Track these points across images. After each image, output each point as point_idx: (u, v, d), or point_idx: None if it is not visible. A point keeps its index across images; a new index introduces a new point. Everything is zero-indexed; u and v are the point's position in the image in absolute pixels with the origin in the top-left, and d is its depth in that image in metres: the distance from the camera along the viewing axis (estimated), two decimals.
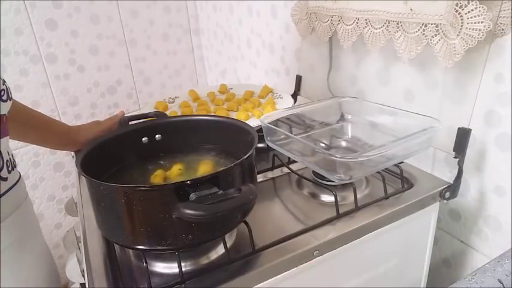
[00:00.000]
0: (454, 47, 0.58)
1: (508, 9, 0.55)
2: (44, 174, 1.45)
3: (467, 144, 0.61)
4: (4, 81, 0.59)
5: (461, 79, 0.65)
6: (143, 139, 0.64)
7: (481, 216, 0.69)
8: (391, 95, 0.79)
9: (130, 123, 0.68)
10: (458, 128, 0.61)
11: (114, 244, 0.54)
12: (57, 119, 1.39)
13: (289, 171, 0.72)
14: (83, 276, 0.57)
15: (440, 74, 0.68)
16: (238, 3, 1.25)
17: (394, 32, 0.67)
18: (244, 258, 0.51)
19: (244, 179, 0.50)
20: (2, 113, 0.57)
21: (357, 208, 0.60)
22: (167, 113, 0.91)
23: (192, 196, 0.43)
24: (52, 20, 1.31)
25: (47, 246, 0.73)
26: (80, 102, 1.44)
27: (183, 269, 0.49)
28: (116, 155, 0.60)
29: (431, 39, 0.62)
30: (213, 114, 0.89)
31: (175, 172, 0.58)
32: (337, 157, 0.55)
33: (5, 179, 0.59)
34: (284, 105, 0.88)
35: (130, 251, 0.55)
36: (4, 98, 0.58)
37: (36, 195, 1.46)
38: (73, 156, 0.83)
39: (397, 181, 0.66)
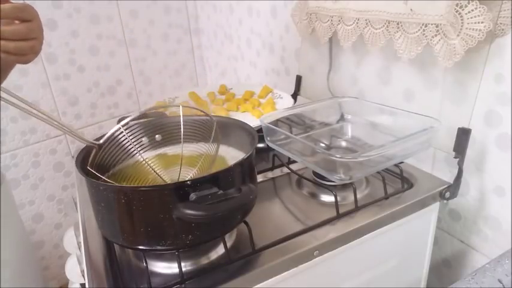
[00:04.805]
0: (454, 47, 0.58)
1: (508, 9, 0.55)
2: (44, 174, 1.45)
3: (467, 144, 0.61)
4: None
5: (461, 79, 0.65)
6: (143, 139, 0.64)
7: (481, 216, 0.69)
8: (391, 95, 0.79)
9: (130, 123, 0.68)
10: (458, 128, 0.61)
11: (114, 244, 0.54)
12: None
13: (289, 171, 0.72)
14: (83, 276, 0.57)
15: (440, 74, 0.68)
16: (238, 3, 1.25)
17: (394, 32, 0.67)
18: (244, 258, 0.51)
19: (244, 179, 0.50)
20: None
21: (357, 208, 0.60)
22: (167, 113, 0.91)
23: (192, 196, 0.43)
24: (52, 20, 1.31)
25: (23, 224, 0.70)
26: (80, 102, 1.44)
27: (183, 269, 0.49)
28: (116, 155, 0.60)
29: (431, 40, 0.62)
30: (213, 114, 0.89)
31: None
32: (337, 157, 0.55)
33: None
34: (284, 105, 0.88)
35: (130, 251, 0.55)
36: None
37: (36, 195, 1.46)
38: (73, 157, 0.83)
39: (397, 181, 0.66)
